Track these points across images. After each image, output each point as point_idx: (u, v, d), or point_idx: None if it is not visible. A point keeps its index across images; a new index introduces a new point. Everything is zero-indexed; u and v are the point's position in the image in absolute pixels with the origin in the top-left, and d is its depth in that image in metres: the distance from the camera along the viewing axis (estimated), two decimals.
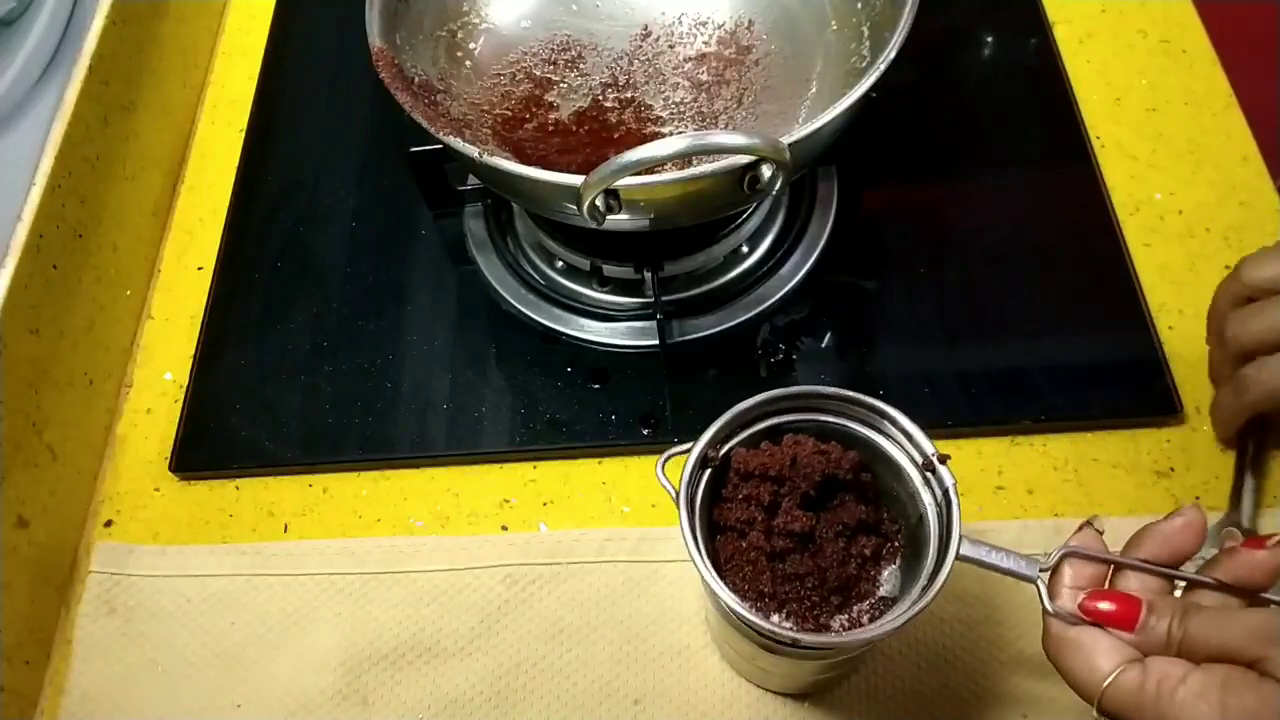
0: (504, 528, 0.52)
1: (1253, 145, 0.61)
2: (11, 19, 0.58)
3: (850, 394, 0.39)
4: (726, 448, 0.39)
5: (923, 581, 0.36)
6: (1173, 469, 0.51)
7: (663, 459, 0.39)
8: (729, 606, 0.35)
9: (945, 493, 0.37)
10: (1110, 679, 0.31)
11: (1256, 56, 0.75)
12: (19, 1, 0.58)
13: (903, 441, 0.39)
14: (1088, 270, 0.57)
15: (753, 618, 0.35)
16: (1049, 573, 0.34)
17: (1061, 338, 0.55)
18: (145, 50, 0.65)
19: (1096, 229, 0.59)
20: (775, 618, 0.38)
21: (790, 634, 0.36)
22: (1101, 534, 0.35)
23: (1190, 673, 0.30)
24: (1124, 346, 0.55)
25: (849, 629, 0.37)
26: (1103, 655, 0.32)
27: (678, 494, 0.37)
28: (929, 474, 0.38)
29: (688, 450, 0.38)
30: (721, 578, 0.36)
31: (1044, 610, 0.34)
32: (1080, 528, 0.35)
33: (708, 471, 0.39)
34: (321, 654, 0.50)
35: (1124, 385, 0.54)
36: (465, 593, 0.51)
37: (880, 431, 0.39)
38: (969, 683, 0.47)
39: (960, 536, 0.35)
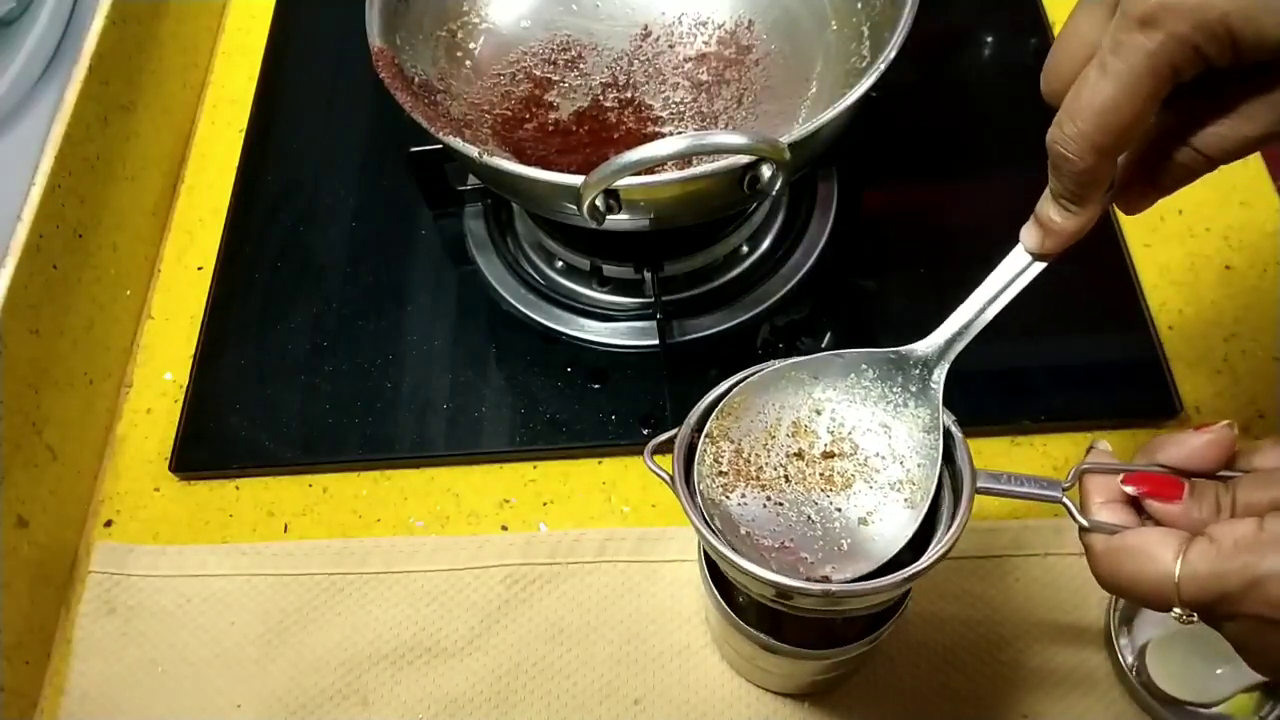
0: (504, 528, 0.52)
1: None
2: (11, 19, 0.58)
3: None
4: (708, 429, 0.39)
5: (945, 522, 0.35)
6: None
7: (649, 448, 0.38)
8: (768, 579, 0.33)
9: (947, 431, 0.36)
10: (1180, 563, 0.28)
11: None
12: (19, 1, 0.58)
13: None
14: (1088, 270, 0.57)
15: (794, 582, 0.33)
16: (1070, 493, 0.33)
17: (1061, 338, 0.55)
18: (145, 50, 0.65)
19: (1096, 229, 0.58)
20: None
21: (822, 585, 0.34)
22: (1109, 453, 0.34)
23: (1264, 521, 0.27)
24: (1124, 346, 0.55)
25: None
26: (1159, 545, 0.29)
27: (672, 478, 0.37)
28: None
29: (673, 437, 0.38)
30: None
31: (1080, 530, 0.32)
32: (1088, 450, 0.34)
33: (696, 452, 0.39)
34: (321, 654, 0.50)
35: (1124, 385, 0.54)
36: (465, 593, 0.51)
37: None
38: (969, 683, 0.47)
39: (973, 469, 0.34)
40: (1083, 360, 0.54)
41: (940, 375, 0.36)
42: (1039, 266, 0.35)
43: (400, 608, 0.50)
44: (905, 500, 0.36)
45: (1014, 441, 0.53)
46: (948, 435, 0.36)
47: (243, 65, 0.72)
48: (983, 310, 0.36)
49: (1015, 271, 0.36)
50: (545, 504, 0.53)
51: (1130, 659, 0.46)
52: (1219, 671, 0.44)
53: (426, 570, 0.51)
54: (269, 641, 0.50)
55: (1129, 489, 0.31)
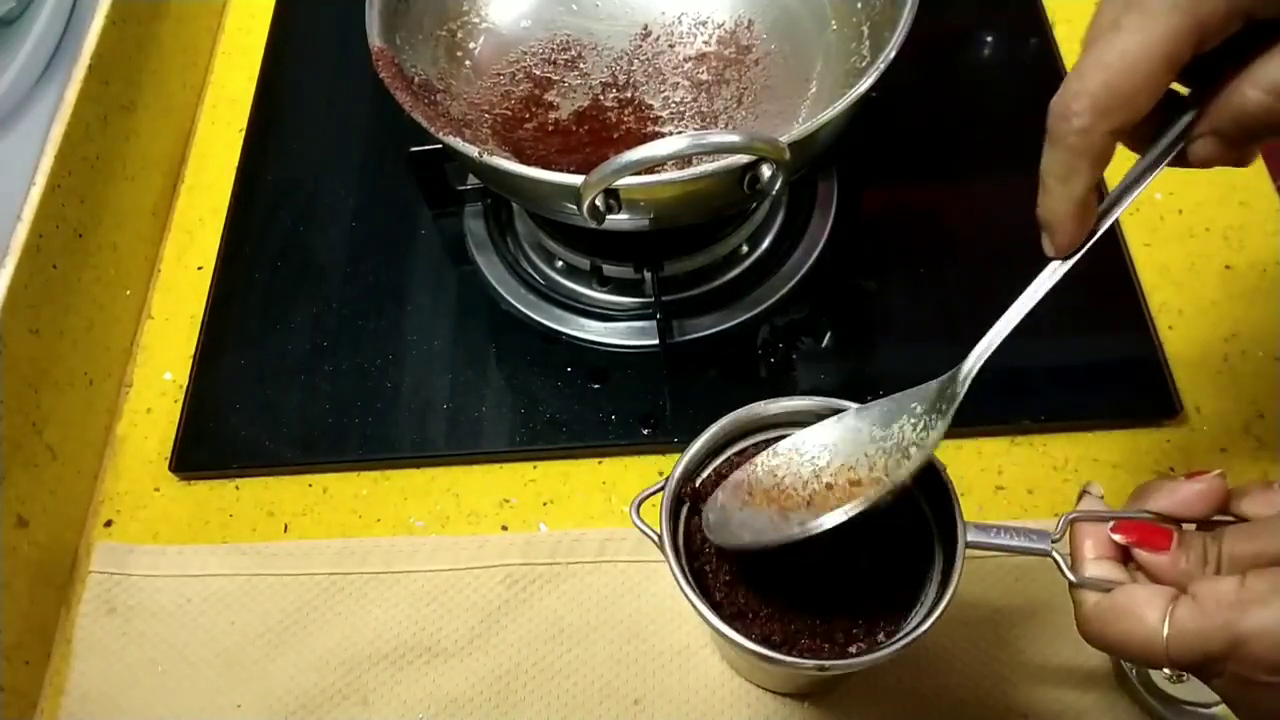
0: (504, 528, 0.52)
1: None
2: (11, 19, 0.58)
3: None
4: (700, 480, 0.40)
5: (937, 579, 0.36)
6: (1172, 469, 0.52)
7: (635, 503, 0.38)
8: (749, 649, 0.34)
9: (943, 482, 0.36)
10: (1167, 624, 0.28)
11: None
12: (19, 1, 0.58)
13: None
14: (1088, 270, 0.57)
15: (780, 655, 0.34)
16: (1059, 544, 0.33)
17: (1061, 338, 0.55)
18: (145, 50, 0.65)
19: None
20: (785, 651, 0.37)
21: (814, 662, 0.35)
22: (1101, 498, 0.34)
23: (1244, 580, 0.28)
24: (1124, 346, 0.55)
25: (865, 648, 0.36)
26: (1146, 606, 0.29)
27: (660, 537, 0.37)
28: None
29: (660, 490, 0.38)
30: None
31: (1070, 585, 0.32)
32: (1080, 497, 0.34)
33: (685, 507, 0.39)
34: (321, 654, 0.50)
35: (1124, 385, 0.54)
36: (465, 593, 0.51)
37: None
38: (969, 683, 0.47)
39: (964, 523, 0.35)
40: (1083, 360, 0.54)
41: (964, 387, 0.36)
42: (1063, 267, 0.34)
43: (400, 608, 0.50)
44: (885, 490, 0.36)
45: (1014, 441, 0.53)
46: (944, 485, 0.37)
47: (243, 65, 0.72)
48: (1009, 319, 0.35)
49: (1043, 280, 0.34)
50: (545, 504, 0.53)
51: None
52: None
53: (426, 570, 0.51)
54: (269, 641, 0.50)
55: (1118, 538, 0.31)
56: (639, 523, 0.38)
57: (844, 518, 0.33)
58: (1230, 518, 0.31)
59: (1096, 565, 0.32)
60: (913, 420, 0.36)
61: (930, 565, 0.37)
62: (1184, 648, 0.28)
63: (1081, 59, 0.29)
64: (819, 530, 0.34)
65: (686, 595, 0.35)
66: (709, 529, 0.38)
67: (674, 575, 0.36)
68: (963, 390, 0.35)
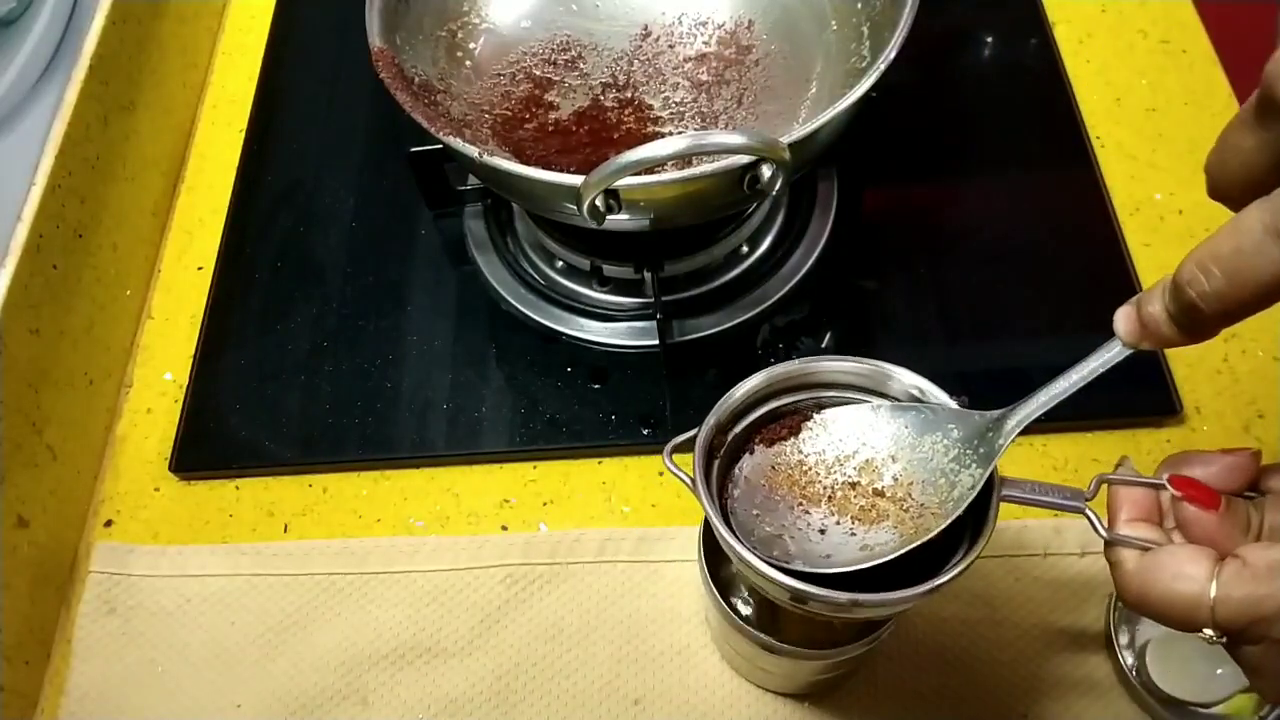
0: (504, 528, 0.52)
1: None
2: (11, 19, 0.58)
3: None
4: (731, 435, 0.38)
5: (966, 541, 0.35)
6: None
7: (669, 448, 0.38)
8: (792, 586, 0.33)
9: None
10: (1214, 585, 0.28)
11: (1256, 56, 0.75)
12: (19, 1, 0.58)
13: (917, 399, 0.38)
14: (1088, 270, 0.57)
15: (816, 591, 0.33)
16: (1093, 504, 0.33)
17: (1061, 338, 0.55)
18: (145, 50, 0.65)
19: (1096, 229, 0.59)
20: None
21: (847, 596, 0.33)
22: (1135, 471, 0.34)
23: None
24: None
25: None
26: (1191, 565, 0.28)
27: (693, 481, 0.36)
28: None
29: (692, 437, 0.37)
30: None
31: (1105, 545, 0.32)
32: (1118, 465, 0.33)
33: (717, 461, 0.38)
34: (321, 654, 0.50)
35: (1124, 385, 0.53)
36: (465, 593, 0.51)
37: (889, 396, 0.38)
38: (969, 683, 0.47)
39: (1000, 477, 0.34)
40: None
41: (1008, 438, 0.35)
42: (1128, 352, 0.33)
43: (400, 608, 0.50)
44: (909, 536, 0.35)
45: (1014, 441, 0.53)
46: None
47: (243, 65, 0.72)
48: (1066, 387, 0.35)
49: (1105, 358, 0.34)
50: (545, 504, 0.53)
51: (1130, 659, 0.46)
52: (1219, 672, 0.44)
53: (426, 570, 0.51)
54: (269, 641, 0.50)
55: (1173, 491, 0.30)
56: (672, 466, 0.37)
57: (865, 566, 0.33)
58: (1255, 494, 0.31)
59: (1131, 526, 0.31)
60: (946, 443, 0.36)
61: (963, 527, 0.36)
62: (1232, 610, 0.28)
63: (1232, 249, 0.26)
64: (839, 570, 0.34)
65: (719, 533, 0.34)
66: (733, 499, 0.38)
67: (707, 513, 0.35)
68: (1007, 443, 0.34)
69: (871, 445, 0.38)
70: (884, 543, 0.36)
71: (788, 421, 0.39)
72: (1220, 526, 0.30)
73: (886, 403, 0.38)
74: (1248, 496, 0.31)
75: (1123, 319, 0.32)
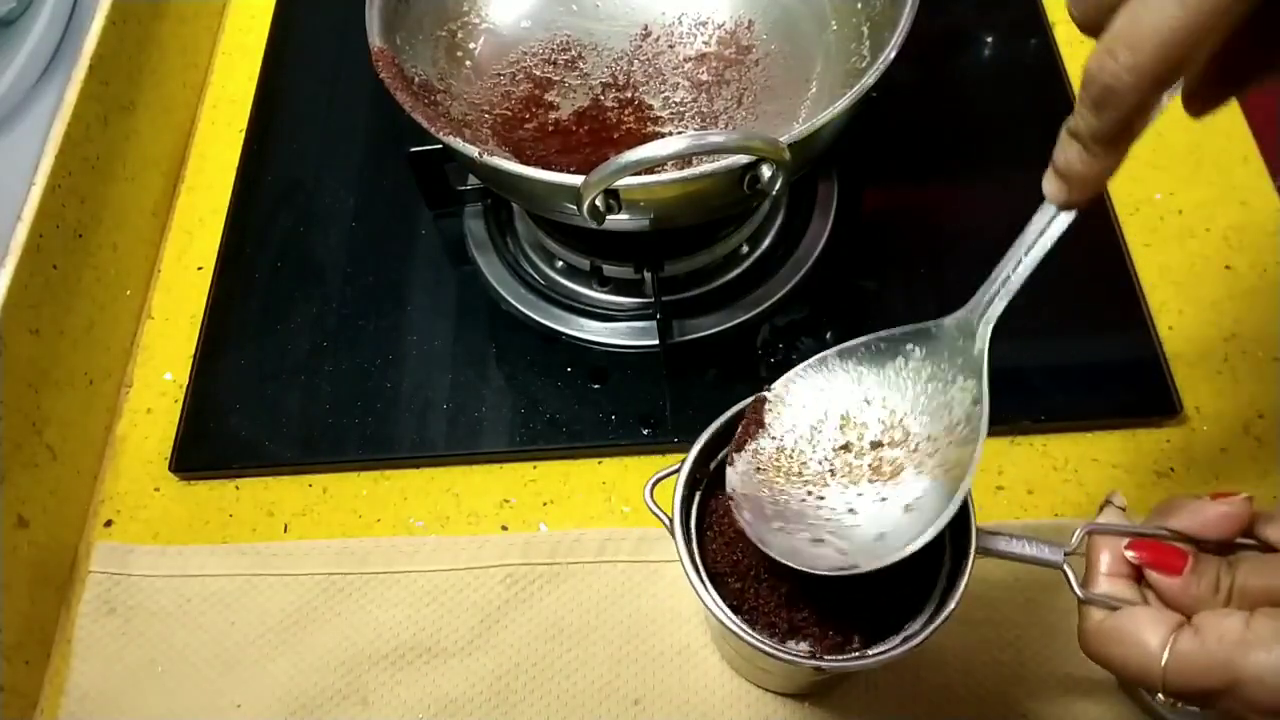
0: (504, 528, 0.52)
1: (1253, 145, 0.61)
2: (11, 19, 0.58)
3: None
4: (715, 462, 0.39)
5: (941, 584, 0.35)
6: (1173, 469, 0.51)
7: (650, 483, 0.38)
8: (751, 642, 0.33)
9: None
10: (1167, 652, 0.28)
11: None
12: (19, 1, 0.58)
13: None
14: (1088, 270, 0.57)
15: (778, 651, 0.34)
16: (1074, 556, 0.33)
17: (1061, 338, 0.55)
18: (145, 50, 0.65)
19: (1096, 229, 0.59)
20: (791, 642, 0.36)
21: (811, 663, 0.34)
22: (1124, 509, 0.34)
23: (1250, 620, 0.27)
24: (1124, 346, 0.55)
25: (864, 644, 0.35)
26: (1149, 631, 0.29)
27: (671, 521, 0.36)
28: None
29: (675, 472, 0.37)
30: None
31: (1078, 600, 0.32)
32: (1101, 507, 0.33)
33: (698, 493, 0.38)
34: (321, 654, 0.50)
35: (1124, 385, 0.54)
36: (465, 593, 0.51)
37: None
38: (969, 683, 0.47)
39: (977, 529, 0.34)
40: (1083, 360, 0.54)
41: (983, 340, 0.34)
42: (1067, 218, 0.32)
43: (400, 608, 0.50)
44: (950, 480, 0.34)
45: (1014, 441, 0.53)
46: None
47: (243, 65, 0.72)
48: (1016, 267, 0.34)
49: (1042, 226, 0.33)
50: (545, 504, 0.53)
51: None
52: None
53: (426, 570, 0.51)
54: (269, 641, 0.50)
55: (1131, 555, 0.31)
56: (652, 505, 0.37)
57: (895, 559, 0.32)
58: (1252, 541, 0.31)
59: (1109, 581, 0.32)
60: (913, 365, 0.35)
61: (939, 567, 0.37)
62: (1181, 678, 0.28)
63: (1130, 19, 0.25)
64: (863, 570, 0.32)
65: (690, 578, 0.34)
66: (749, 524, 0.36)
67: (681, 559, 0.35)
68: (985, 346, 0.33)
69: (837, 399, 0.37)
70: (922, 493, 0.34)
71: (749, 418, 0.38)
72: (1185, 590, 0.30)
73: (830, 351, 0.37)
74: (1243, 545, 0.31)
75: (1046, 182, 0.32)
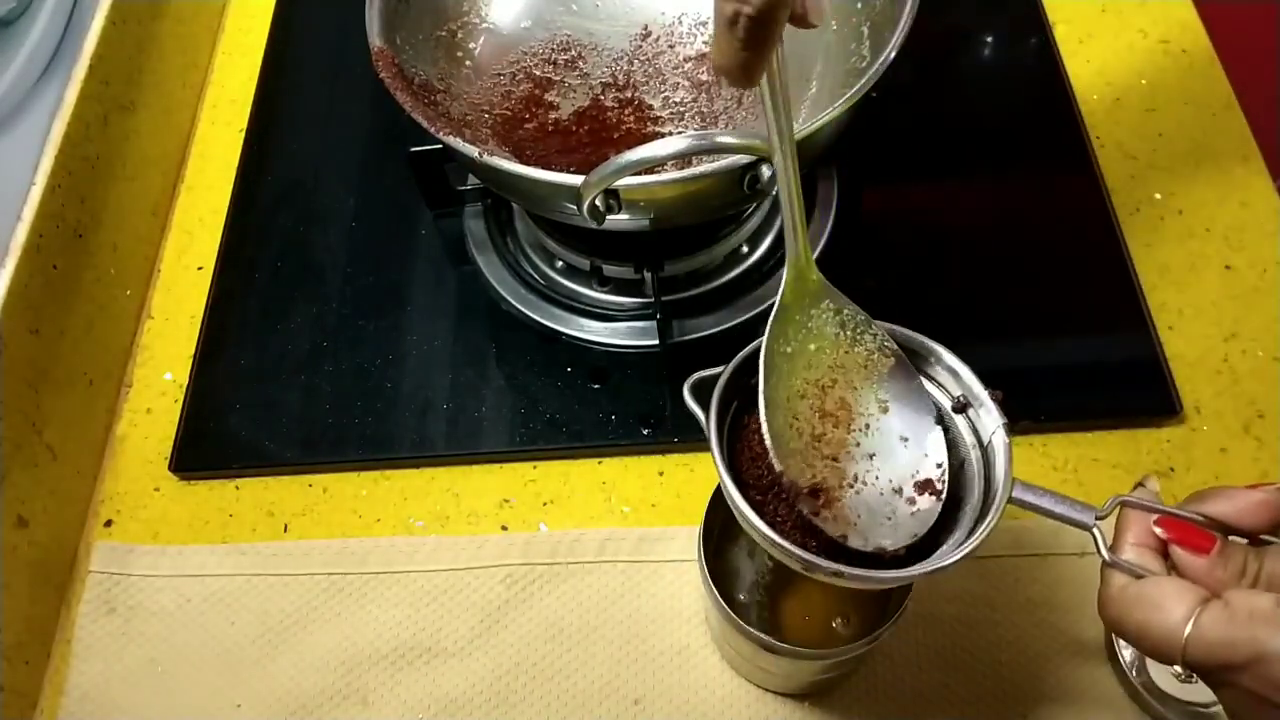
0: (504, 528, 0.52)
1: (1253, 145, 0.61)
2: (11, 19, 0.58)
3: (891, 328, 0.38)
4: (753, 380, 0.38)
5: (968, 524, 0.35)
6: (1173, 469, 0.51)
7: (689, 382, 0.38)
8: (779, 544, 0.33)
9: (992, 434, 0.36)
10: (1191, 623, 0.28)
11: (1256, 56, 0.75)
12: (19, 1, 0.58)
13: (945, 382, 0.38)
14: (1088, 271, 0.57)
15: (801, 553, 0.33)
16: (1104, 522, 0.33)
17: (1061, 338, 0.55)
18: (145, 50, 0.65)
19: (1096, 229, 0.59)
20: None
21: (835, 565, 0.33)
22: (1156, 494, 0.34)
23: None
24: (1124, 346, 0.55)
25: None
26: (1174, 600, 0.29)
27: (706, 416, 0.36)
28: (971, 414, 0.37)
29: (716, 374, 0.37)
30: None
31: (1102, 563, 0.32)
32: (1136, 485, 0.34)
33: (734, 405, 0.38)
34: (321, 654, 0.50)
35: (1124, 385, 0.54)
36: (465, 593, 0.51)
37: (921, 372, 0.38)
38: (969, 683, 0.47)
39: (1013, 478, 0.34)
40: (1083, 360, 0.54)
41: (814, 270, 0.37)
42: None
43: (400, 608, 0.50)
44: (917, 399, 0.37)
45: (1014, 441, 0.53)
46: (986, 445, 0.36)
47: (243, 65, 0.72)
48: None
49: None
50: (545, 504, 0.53)
51: (1130, 658, 0.46)
52: None
53: (426, 570, 0.51)
54: (269, 641, 0.50)
55: (1160, 532, 0.31)
56: (690, 401, 0.37)
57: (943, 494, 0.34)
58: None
59: (1135, 551, 0.31)
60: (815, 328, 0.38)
61: (962, 509, 0.36)
62: (1203, 651, 0.28)
63: None
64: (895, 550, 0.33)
65: (719, 470, 0.34)
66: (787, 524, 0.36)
67: (712, 451, 0.35)
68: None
69: (800, 365, 0.38)
70: (912, 422, 0.36)
71: (746, 425, 0.38)
72: (1211, 570, 0.30)
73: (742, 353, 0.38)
74: (1267, 541, 0.31)
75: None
